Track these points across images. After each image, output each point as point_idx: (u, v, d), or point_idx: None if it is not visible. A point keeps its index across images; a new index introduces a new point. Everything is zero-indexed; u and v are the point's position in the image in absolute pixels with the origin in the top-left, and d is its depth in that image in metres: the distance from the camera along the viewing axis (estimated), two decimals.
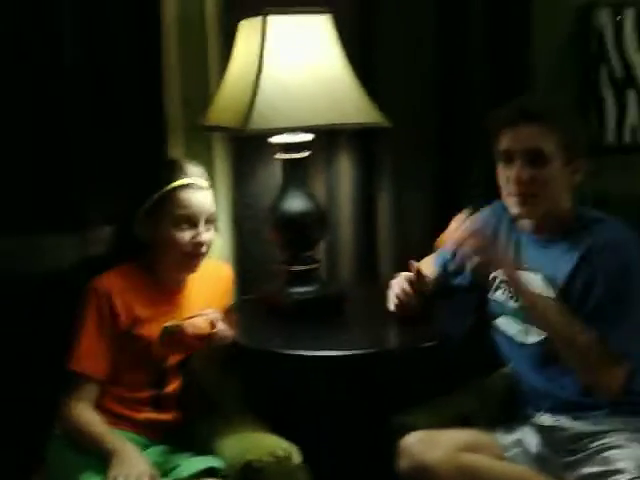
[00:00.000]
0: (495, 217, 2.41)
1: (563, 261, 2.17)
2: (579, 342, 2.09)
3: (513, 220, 2.35)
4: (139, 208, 2.27)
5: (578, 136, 2.23)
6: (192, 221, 2.25)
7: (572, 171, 2.21)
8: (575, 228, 2.20)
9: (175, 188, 2.25)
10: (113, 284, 2.23)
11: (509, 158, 2.20)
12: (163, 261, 2.29)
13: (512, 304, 2.30)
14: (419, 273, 2.43)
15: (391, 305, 2.44)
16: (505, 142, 2.21)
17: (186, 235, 2.24)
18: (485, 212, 2.47)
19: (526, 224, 2.29)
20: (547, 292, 2.19)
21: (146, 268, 2.31)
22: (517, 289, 2.20)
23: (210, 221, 2.29)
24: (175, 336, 2.17)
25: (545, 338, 2.19)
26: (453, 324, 2.44)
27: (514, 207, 2.23)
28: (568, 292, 2.15)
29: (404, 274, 2.45)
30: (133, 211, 2.28)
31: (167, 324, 2.19)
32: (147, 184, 2.30)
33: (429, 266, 2.58)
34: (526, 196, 2.19)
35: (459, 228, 2.24)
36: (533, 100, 2.27)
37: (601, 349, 2.07)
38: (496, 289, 2.37)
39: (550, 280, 2.19)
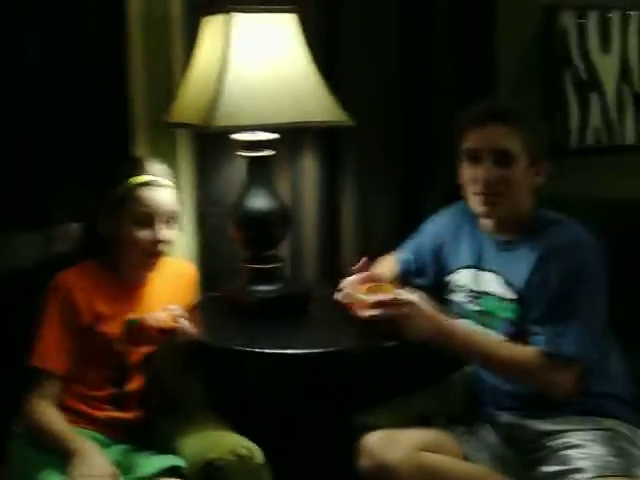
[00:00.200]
0: (456, 219, 2.43)
1: (522, 264, 2.19)
2: (514, 363, 2.13)
3: (474, 222, 2.36)
4: (99, 205, 2.26)
5: (542, 138, 2.26)
6: (152, 219, 2.24)
7: (535, 173, 2.23)
8: (534, 230, 2.22)
9: (136, 186, 2.24)
10: (74, 280, 2.22)
11: (475, 157, 2.21)
12: (124, 258, 2.29)
13: (471, 307, 2.31)
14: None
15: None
16: (472, 141, 2.22)
17: (146, 233, 2.24)
18: (446, 214, 2.49)
19: (487, 225, 2.30)
20: (508, 295, 2.20)
21: (108, 265, 2.31)
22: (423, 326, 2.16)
23: (171, 219, 2.28)
24: (136, 328, 2.17)
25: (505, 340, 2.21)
26: None
27: (479, 206, 2.24)
28: (526, 295, 2.17)
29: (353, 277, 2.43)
30: (96, 209, 2.28)
31: (129, 317, 2.19)
32: (109, 182, 2.28)
33: (391, 263, 2.59)
34: (491, 195, 2.20)
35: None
36: (501, 101, 2.28)
37: (544, 361, 2.09)
38: (455, 292, 2.38)
39: (509, 283, 2.21)
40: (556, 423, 2.15)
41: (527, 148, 2.19)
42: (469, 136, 2.22)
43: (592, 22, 3.19)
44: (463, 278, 2.35)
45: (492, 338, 2.21)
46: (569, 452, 2.08)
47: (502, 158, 2.18)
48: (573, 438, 2.11)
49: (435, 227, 2.49)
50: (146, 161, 2.32)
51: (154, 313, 2.21)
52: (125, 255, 2.28)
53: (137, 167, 2.28)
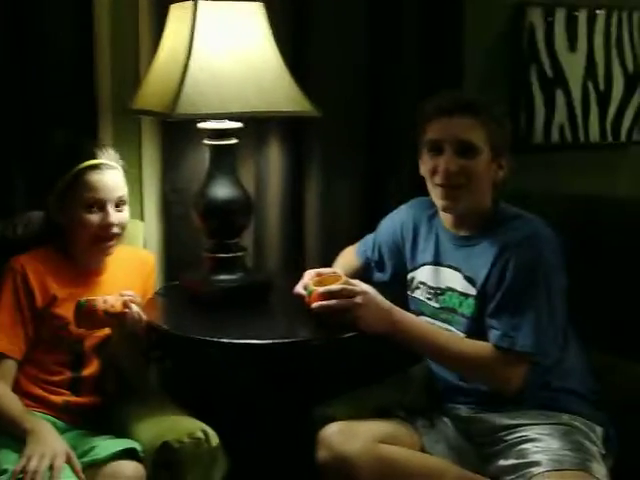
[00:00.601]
0: (416, 214, 2.43)
1: (481, 260, 2.19)
2: (465, 358, 2.15)
3: (434, 217, 2.36)
4: (49, 190, 2.26)
5: (506, 133, 2.26)
6: (101, 203, 2.24)
7: (497, 167, 2.24)
8: (494, 225, 2.22)
9: (83, 170, 2.24)
10: (29, 263, 2.23)
11: (438, 148, 2.20)
12: (77, 243, 2.29)
13: (432, 304, 2.32)
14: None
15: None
16: (435, 132, 2.21)
17: (95, 217, 2.24)
18: (405, 209, 2.49)
19: (447, 220, 2.30)
20: (468, 291, 2.21)
21: (63, 251, 2.31)
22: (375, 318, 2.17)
23: (122, 202, 2.29)
24: (84, 310, 2.15)
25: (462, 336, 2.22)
26: None
27: (439, 199, 2.24)
28: (485, 291, 2.17)
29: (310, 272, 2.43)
30: (47, 195, 2.28)
31: (81, 299, 2.18)
32: (57, 167, 2.27)
33: (351, 256, 2.59)
34: (452, 188, 2.20)
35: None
36: (467, 93, 2.28)
37: (496, 355, 2.10)
38: (415, 288, 2.38)
39: (469, 279, 2.22)
40: (513, 417, 2.16)
41: (490, 141, 2.19)
42: (432, 127, 2.21)
43: (559, 20, 3.21)
44: (423, 275, 2.36)
45: (444, 332, 2.22)
46: (525, 446, 2.09)
47: (465, 149, 2.18)
48: (529, 432, 2.12)
49: (394, 223, 2.49)
50: (92, 145, 2.32)
51: (105, 297, 2.19)
52: (78, 240, 2.28)
53: (84, 151, 2.27)
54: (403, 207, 2.50)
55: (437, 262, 2.32)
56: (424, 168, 2.27)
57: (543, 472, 2.00)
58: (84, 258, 2.31)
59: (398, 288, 2.42)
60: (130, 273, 2.39)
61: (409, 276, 2.41)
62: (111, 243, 2.28)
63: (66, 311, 2.21)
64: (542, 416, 2.15)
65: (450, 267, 2.28)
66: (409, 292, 2.40)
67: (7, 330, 2.17)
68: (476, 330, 2.18)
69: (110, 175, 2.27)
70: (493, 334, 2.12)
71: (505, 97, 3.16)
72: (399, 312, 2.19)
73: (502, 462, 2.11)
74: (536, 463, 2.03)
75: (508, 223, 2.21)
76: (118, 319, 2.18)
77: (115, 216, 2.26)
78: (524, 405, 2.17)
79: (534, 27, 3.17)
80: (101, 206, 2.24)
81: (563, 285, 2.17)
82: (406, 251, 2.43)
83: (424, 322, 2.26)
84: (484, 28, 3.11)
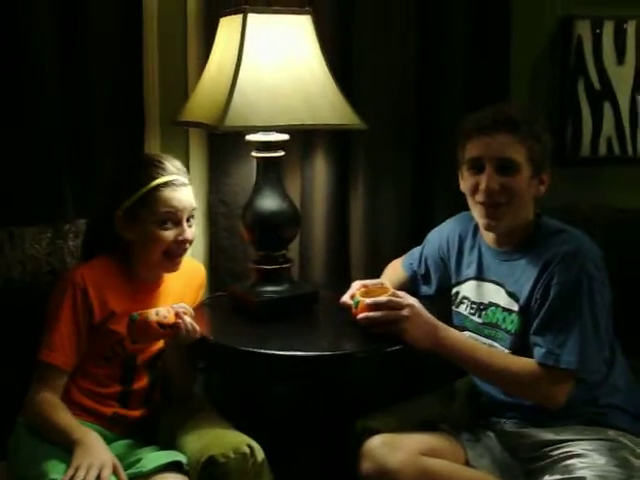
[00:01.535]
0: (460, 229, 2.43)
1: (524, 275, 2.18)
2: (509, 374, 2.14)
3: (477, 232, 2.36)
4: (116, 205, 2.25)
5: (547, 148, 2.24)
6: (176, 219, 2.23)
7: (538, 183, 2.23)
8: (536, 240, 2.21)
9: (157, 186, 2.22)
10: (89, 277, 2.20)
11: (479, 166, 2.20)
12: (144, 258, 2.27)
13: (475, 319, 2.31)
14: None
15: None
16: (476, 149, 2.20)
17: (170, 233, 2.23)
18: (451, 224, 2.48)
19: (488, 236, 2.30)
20: (511, 306, 2.20)
21: (123, 263, 2.29)
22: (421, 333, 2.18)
23: (192, 217, 2.29)
24: (137, 323, 2.15)
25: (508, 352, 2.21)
26: None
27: (481, 218, 2.23)
28: (529, 307, 2.16)
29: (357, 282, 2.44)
30: (112, 208, 2.26)
31: (133, 313, 2.17)
32: (127, 182, 2.26)
33: (398, 269, 2.59)
34: (493, 207, 2.19)
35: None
36: (508, 109, 2.25)
37: (540, 372, 2.09)
38: (459, 303, 2.38)
39: (512, 295, 2.21)
40: (558, 433, 2.15)
41: (531, 157, 2.18)
42: (472, 144, 2.21)
43: (607, 32, 3.18)
44: (467, 289, 2.36)
45: (488, 349, 2.21)
46: (571, 461, 2.08)
47: (506, 167, 2.17)
48: (575, 447, 2.10)
49: (440, 237, 2.49)
50: (164, 159, 2.29)
51: (157, 308, 2.19)
52: (147, 255, 2.26)
53: (156, 166, 2.25)
54: (450, 221, 2.50)
55: (480, 277, 2.32)
56: (464, 185, 2.26)
57: None
58: (147, 273, 2.30)
59: (443, 302, 2.42)
60: (183, 284, 2.39)
61: (454, 290, 2.40)
62: (181, 259, 2.29)
63: (123, 327, 2.20)
64: (588, 431, 2.13)
65: (493, 282, 2.27)
66: (453, 307, 2.40)
67: (63, 344, 2.15)
68: (520, 346, 2.17)
69: (184, 191, 2.26)
70: (537, 351, 2.11)
71: (552, 110, 3.14)
72: (444, 328, 2.19)
73: (547, 478, 2.09)
74: (581, 479, 2.02)
75: (551, 238, 2.20)
76: (172, 330, 2.18)
77: (189, 232, 2.26)
78: (570, 421, 2.16)
79: (582, 39, 3.14)
80: (176, 222, 2.23)
81: (608, 300, 2.15)
82: (451, 265, 2.43)
83: (469, 339, 2.25)
84: (531, 40, 3.09)
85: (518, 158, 2.16)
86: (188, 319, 2.21)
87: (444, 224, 2.52)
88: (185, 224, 2.25)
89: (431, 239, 2.53)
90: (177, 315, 2.19)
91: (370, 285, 2.36)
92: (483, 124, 2.19)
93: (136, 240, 2.26)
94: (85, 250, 2.38)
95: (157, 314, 2.16)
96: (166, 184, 2.23)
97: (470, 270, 2.35)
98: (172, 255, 2.26)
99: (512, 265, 2.23)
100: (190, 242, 2.28)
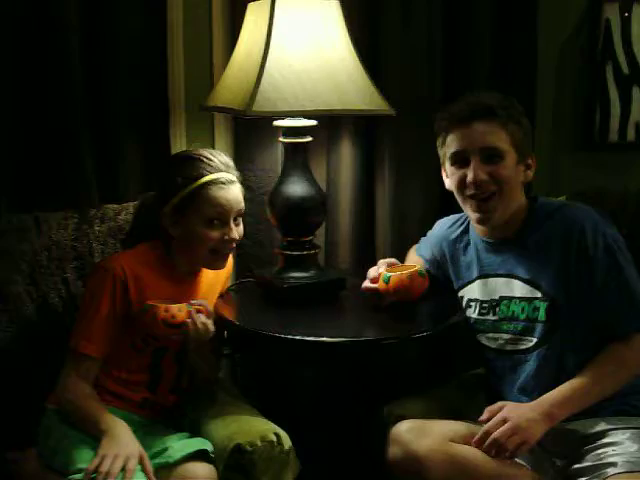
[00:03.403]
0: (444, 235, 2.43)
1: (539, 259, 2.16)
2: (619, 373, 2.11)
3: (464, 232, 2.36)
4: (164, 201, 2.21)
5: (527, 131, 2.22)
6: (224, 218, 2.20)
7: (525, 168, 2.21)
8: (537, 221, 2.20)
9: (204, 184, 2.18)
10: (129, 268, 2.17)
11: (463, 159, 2.18)
12: (189, 254, 2.24)
13: (489, 317, 2.28)
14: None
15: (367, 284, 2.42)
16: (458, 142, 2.18)
17: (216, 233, 2.20)
18: (450, 219, 2.47)
19: (483, 229, 2.28)
20: (533, 294, 2.17)
21: (165, 254, 2.26)
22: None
23: (240, 216, 2.25)
24: (147, 317, 2.11)
25: (533, 345, 2.18)
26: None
27: (473, 211, 2.21)
28: (559, 289, 2.14)
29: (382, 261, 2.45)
30: (157, 202, 2.24)
31: (146, 303, 2.13)
32: (173, 178, 2.20)
33: (413, 255, 2.58)
34: (485, 199, 2.17)
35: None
36: (482, 97, 2.22)
37: (631, 345, 2.08)
38: (467, 307, 2.34)
39: (530, 282, 2.18)
40: (591, 425, 2.11)
41: (514, 142, 2.17)
42: (453, 138, 2.19)
43: (637, 15, 3.14)
44: (472, 292, 2.32)
45: (582, 379, 2.10)
46: (602, 450, 2.05)
47: (491, 155, 2.15)
48: (607, 438, 2.07)
49: (438, 237, 2.47)
50: (213, 155, 2.24)
51: (169, 305, 2.13)
52: (192, 252, 2.23)
53: (204, 162, 2.21)
54: (449, 217, 2.48)
55: (484, 275, 2.29)
56: (450, 182, 2.24)
57: (617, 473, 1.97)
58: (189, 267, 2.28)
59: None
60: (214, 274, 2.35)
61: (459, 295, 2.38)
62: (227, 257, 2.27)
63: None
64: (620, 422, 2.10)
65: (500, 276, 2.25)
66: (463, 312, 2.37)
67: (100, 335, 2.13)
68: (553, 330, 2.15)
69: (232, 189, 2.22)
70: (612, 328, 2.10)
71: (580, 95, 3.11)
72: (539, 403, 2.09)
73: (577, 466, 2.07)
74: (611, 464, 2.00)
75: (554, 215, 2.18)
76: (179, 329, 2.14)
77: (235, 231, 2.22)
78: (599, 413, 2.12)
79: (610, 23, 3.11)
80: (223, 221, 2.20)
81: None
82: (450, 273, 2.41)
83: (560, 388, 2.11)
84: (559, 23, 3.07)
85: (502, 145, 2.15)
86: (202, 318, 2.17)
87: (441, 223, 2.50)
88: (232, 223, 2.21)
89: (433, 235, 2.52)
90: (188, 314, 2.15)
91: (396, 264, 2.38)
92: (460, 116, 2.17)
93: (182, 236, 2.22)
94: (127, 239, 2.37)
95: (166, 311, 2.11)
96: (213, 182, 2.19)
97: (471, 271, 2.33)
98: (218, 253, 2.23)
99: (518, 253, 2.21)
100: (237, 242, 2.25)
